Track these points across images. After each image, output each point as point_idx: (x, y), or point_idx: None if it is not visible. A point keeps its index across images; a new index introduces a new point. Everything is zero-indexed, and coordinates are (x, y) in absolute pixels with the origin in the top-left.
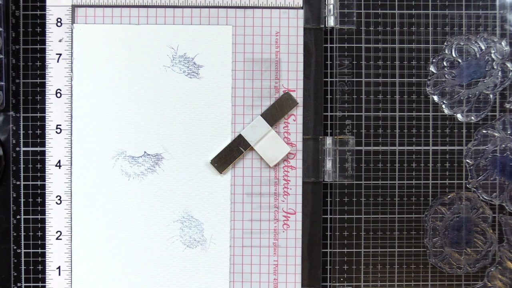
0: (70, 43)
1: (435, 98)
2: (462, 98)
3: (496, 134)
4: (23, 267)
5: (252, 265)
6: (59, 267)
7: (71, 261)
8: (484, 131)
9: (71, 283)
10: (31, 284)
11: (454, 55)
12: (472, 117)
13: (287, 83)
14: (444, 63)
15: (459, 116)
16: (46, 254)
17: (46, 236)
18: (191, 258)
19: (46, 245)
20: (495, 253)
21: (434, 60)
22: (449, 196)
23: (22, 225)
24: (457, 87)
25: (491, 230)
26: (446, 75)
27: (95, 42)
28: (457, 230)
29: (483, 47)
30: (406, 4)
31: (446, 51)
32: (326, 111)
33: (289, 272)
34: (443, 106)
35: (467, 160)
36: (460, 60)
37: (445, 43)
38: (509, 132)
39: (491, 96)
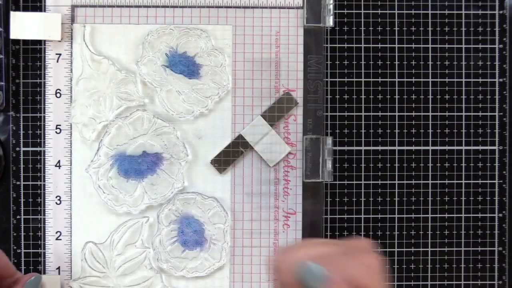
0: (70, 43)
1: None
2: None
3: None
4: (23, 267)
5: (252, 265)
6: (59, 267)
7: (71, 262)
8: None
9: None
10: None
11: None
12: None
13: (287, 83)
14: None
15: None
16: (46, 254)
17: (46, 236)
18: (191, 258)
19: (46, 245)
20: None
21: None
22: None
23: (22, 225)
24: None
25: None
26: None
27: (95, 42)
28: None
29: None
30: (406, 4)
31: None
32: (326, 111)
33: None
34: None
35: None
36: None
37: None
38: None
39: None
